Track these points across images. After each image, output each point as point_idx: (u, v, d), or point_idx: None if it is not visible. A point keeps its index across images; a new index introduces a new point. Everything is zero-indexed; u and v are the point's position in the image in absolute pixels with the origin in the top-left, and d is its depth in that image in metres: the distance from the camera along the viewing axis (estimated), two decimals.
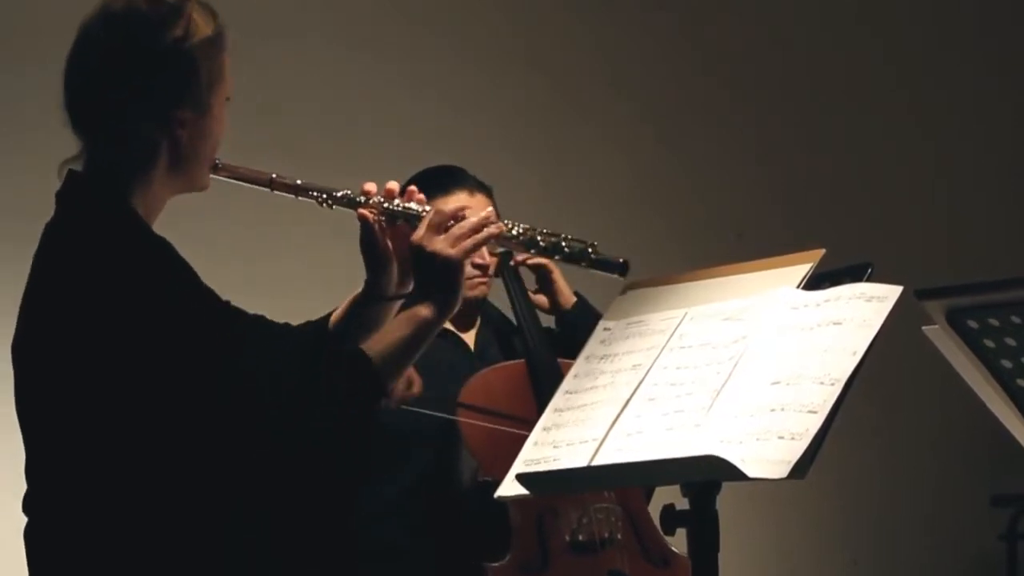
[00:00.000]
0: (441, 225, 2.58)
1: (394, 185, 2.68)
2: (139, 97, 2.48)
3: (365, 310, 2.68)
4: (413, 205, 2.66)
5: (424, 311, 2.54)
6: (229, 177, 2.65)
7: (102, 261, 2.43)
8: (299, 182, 2.68)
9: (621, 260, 2.63)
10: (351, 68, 5.25)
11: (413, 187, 2.70)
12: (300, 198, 2.69)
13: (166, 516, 2.43)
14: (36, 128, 4.64)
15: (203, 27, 2.51)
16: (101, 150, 2.52)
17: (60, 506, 2.47)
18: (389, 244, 2.67)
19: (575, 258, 2.64)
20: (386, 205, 2.65)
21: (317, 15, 5.21)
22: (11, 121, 4.75)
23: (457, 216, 2.61)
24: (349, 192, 2.67)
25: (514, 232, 2.65)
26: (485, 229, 2.59)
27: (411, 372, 3.59)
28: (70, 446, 2.44)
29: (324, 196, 2.67)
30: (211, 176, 2.61)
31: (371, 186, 2.67)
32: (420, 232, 2.57)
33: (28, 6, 4.83)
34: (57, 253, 2.49)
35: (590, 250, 2.64)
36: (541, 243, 2.64)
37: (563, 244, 2.64)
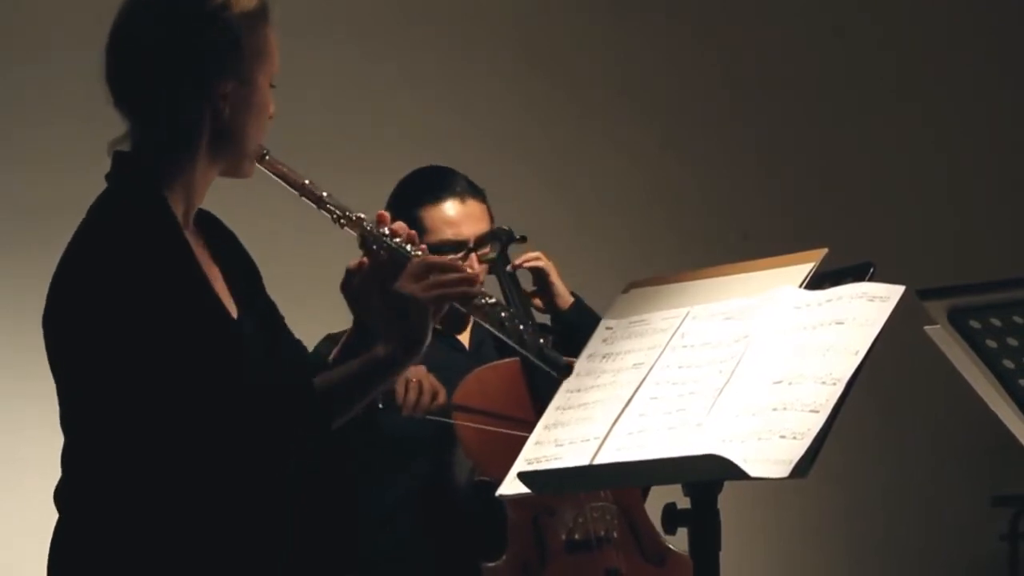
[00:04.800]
0: (420, 275, 2.58)
1: (402, 226, 2.68)
2: (181, 66, 2.48)
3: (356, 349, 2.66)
4: (408, 247, 2.65)
5: (381, 349, 2.55)
6: (270, 171, 2.65)
7: (123, 259, 2.42)
8: (324, 195, 2.67)
9: (565, 363, 2.67)
10: (351, 68, 5.25)
11: (414, 232, 2.68)
12: (321, 210, 2.69)
13: (184, 505, 2.45)
14: (36, 126, 4.68)
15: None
16: (145, 127, 2.52)
17: (91, 495, 2.48)
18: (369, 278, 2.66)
19: (526, 347, 2.71)
20: (387, 242, 2.65)
21: (321, 13, 5.22)
22: (8, 120, 4.76)
23: (438, 267, 2.60)
24: (364, 217, 2.67)
25: (484, 301, 2.66)
26: (460, 286, 2.59)
27: (435, 383, 3.63)
28: (91, 433, 2.47)
29: (339, 214, 2.66)
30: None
31: (384, 214, 2.69)
32: (401, 278, 2.58)
33: (27, 6, 4.84)
34: (84, 244, 2.48)
35: (541, 343, 2.71)
36: (505, 323, 2.67)
37: (522, 332, 2.68)
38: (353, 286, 2.68)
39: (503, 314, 2.67)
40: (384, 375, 2.56)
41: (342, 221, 2.67)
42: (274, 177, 2.66)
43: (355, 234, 2.67)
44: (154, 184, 2.50)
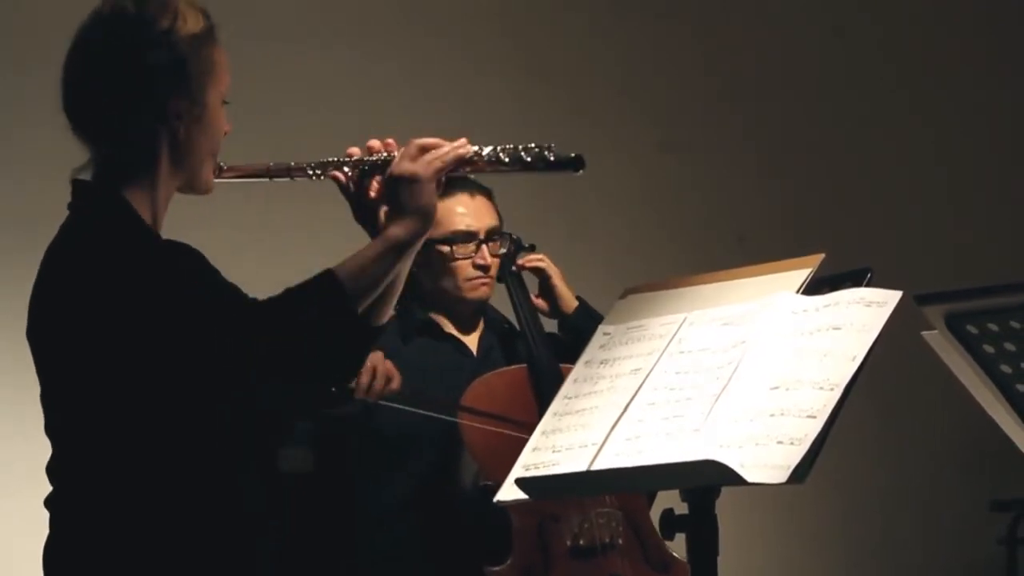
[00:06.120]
0: (415, 155, 2.65)
1: (375, 143, 2.73)
2: (132, 91, 2.53)
3: None
4: (386, 154, 2.71)
5: (395, 230, 2.60)
6: (235, 177, 2.70)
7: (107, 265, 2.47)
8: (292, 163, 2.72)
9: (576, 156, 2.69)
10: (351, 68, 5.25)
11: (391, 140, 2.74)
12: (296, 179, 2.73)
13: (178, 508, 2.47)
14: (35, 127, 4.68)
15: (191, 21, 2.57)
16: (104, 154, 2.57)
17: (83, 502, 2.51)
18: (372, 197, 2.70)
19: (530, 165, 2.73)
20: (365, 158, 2.70)
21: (321, 13, 5.22)
22: (8, 120, 4.76)
23: (429, 144, 2.67)
24: (335, 158, 2.72)
25: (476, 154, 2.71)
26: (453, 152, 2.66)
27: (391, 368, 3.62)
28: (81, 440, 2.50)
29: (312, 167, 2.71)
30: (217, 180, 2.65)
31: (354, 149, 2.73)
32: (395, 163, 2.65)
33: (27, 6, 4.84)
34: (64, 259, 2.52)
35: (547, 152, 2.74)
36: (504, 157, 2.71)
37: (521, 152, 2.72)
38: (366, 210, 2.70)
39: (499, 153, 2.70)
40: (403, 250, 2.60)
41: (319, 172, 2.71)
42: (239, 180, 2.71)
43: (341, 176, 2.70)
44: (122, 204, 2.54)
